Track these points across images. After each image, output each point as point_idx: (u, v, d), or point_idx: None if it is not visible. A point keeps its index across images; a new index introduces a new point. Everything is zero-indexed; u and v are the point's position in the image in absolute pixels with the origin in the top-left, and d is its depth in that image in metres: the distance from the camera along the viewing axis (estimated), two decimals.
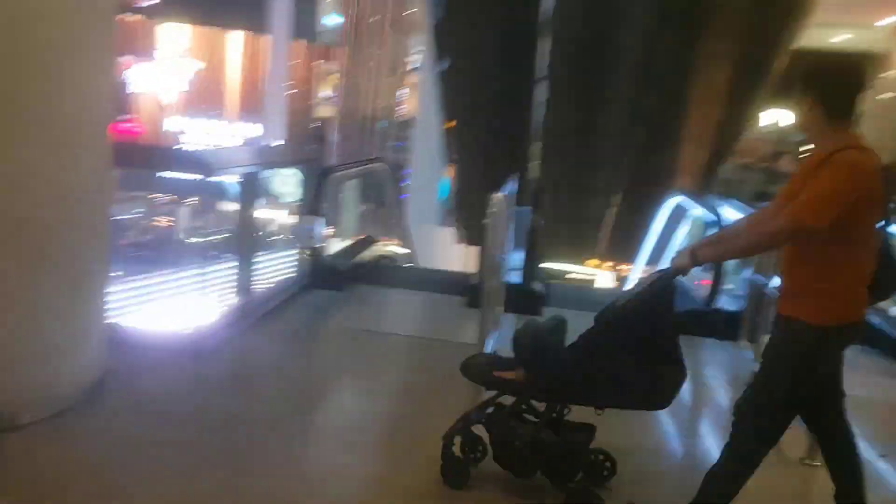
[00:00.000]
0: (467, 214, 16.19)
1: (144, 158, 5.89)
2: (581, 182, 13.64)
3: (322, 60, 40.34)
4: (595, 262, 18.79)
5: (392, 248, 9.27)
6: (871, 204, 2.93)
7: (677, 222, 8.72)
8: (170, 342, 5.22)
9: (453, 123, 15.35)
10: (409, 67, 27.98)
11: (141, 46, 28.30)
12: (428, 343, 5.93)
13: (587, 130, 13.51)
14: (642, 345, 3.21)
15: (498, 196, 4.64)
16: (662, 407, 3.39)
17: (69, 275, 3.90)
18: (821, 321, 2.94)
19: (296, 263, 6.41)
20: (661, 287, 3.19)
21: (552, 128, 13.61)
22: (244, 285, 5.69)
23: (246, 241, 5.71)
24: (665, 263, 3.56)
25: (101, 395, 4.20)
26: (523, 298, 6.42)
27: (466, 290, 6.65)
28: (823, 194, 2.82)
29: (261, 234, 35.87)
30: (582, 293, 9.50)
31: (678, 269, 3.13)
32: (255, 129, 37.03)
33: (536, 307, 6.44)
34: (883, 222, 3.07)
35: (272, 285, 6.41)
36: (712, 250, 3.33)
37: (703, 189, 12.85)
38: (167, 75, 36.97)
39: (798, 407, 3.13)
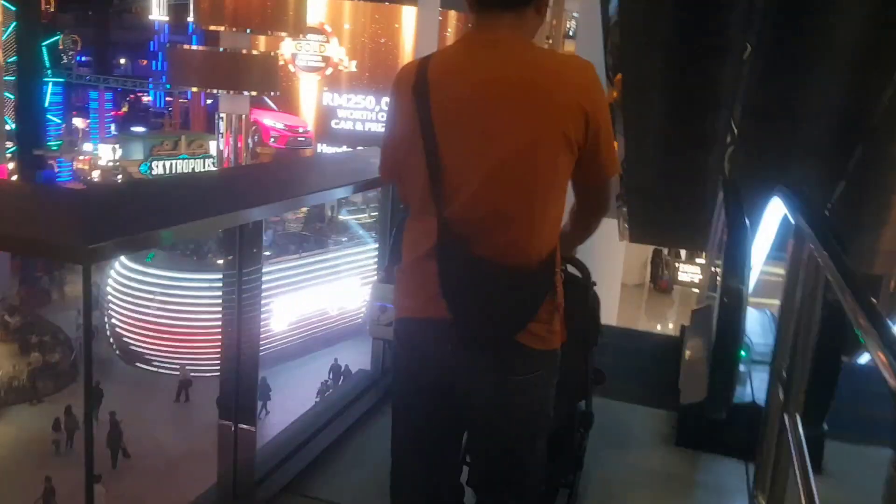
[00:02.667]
0: (634, 203, 12.88)
1: None
2: (791, 169, 10.05)
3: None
4: None
5: None
6: (406, 140, 1.87)
7: None
8: None
9: (616, 95, 12.14)
10: (564, 33, 24.49)
11: (293, 22, 26.46)
12: None
13: (799, 106, 9.87)
14: None
15: None
16: None
17: None
18: (396, 311, 2.05)
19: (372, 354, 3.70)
20: None
21: (754, 102, 10.06)
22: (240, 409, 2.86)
23: (235, 351, 2.81)
24: None
25: None
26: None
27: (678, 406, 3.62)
28: None
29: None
30: None
31: None
32: None
33: None
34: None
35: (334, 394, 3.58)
36: None
37: None
38: (319, 51, 35.56)
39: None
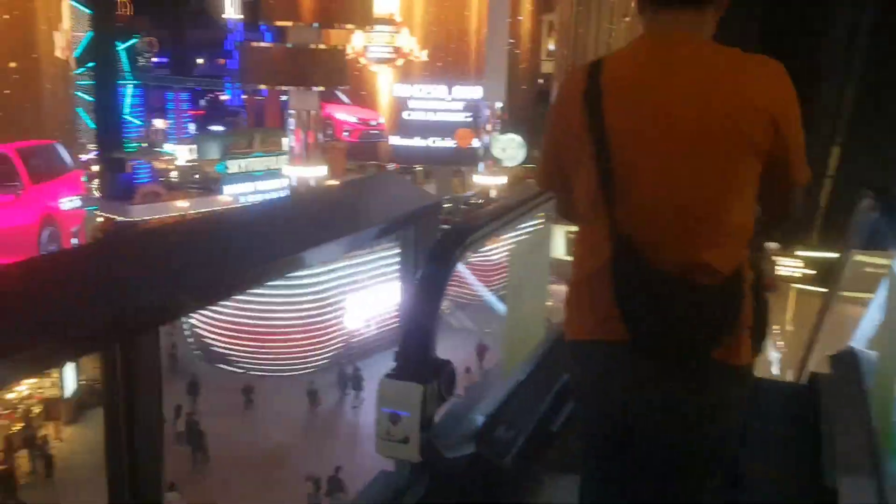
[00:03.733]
0: None
1: None
2: None
3: (549, 13, 36.33)
4: None
5: None
6: (574, 149, 1.77)
7: None
8: None
9: None
10: None
11: (360, 14, 25.67)
12: None
13: None
14: None
15: None
16: None
17: None
18: (566, 332, 1.91)
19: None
20: None
21: (866, 85, 8.60)
22: None
23: None
24: None
25: None
26: None
27: None
28: None
29: (473, 200, 33.14)
30: None
31: None
32: (474, 92, 33.84)
33: None
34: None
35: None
36: None
37: None
38: (390, 41, 34.78)
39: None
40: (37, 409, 17.41)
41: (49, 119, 19.37)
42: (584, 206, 1.79)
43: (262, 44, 28.14)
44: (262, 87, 28.33)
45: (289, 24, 24.51)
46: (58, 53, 19.36)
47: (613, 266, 1.70)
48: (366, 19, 26.05)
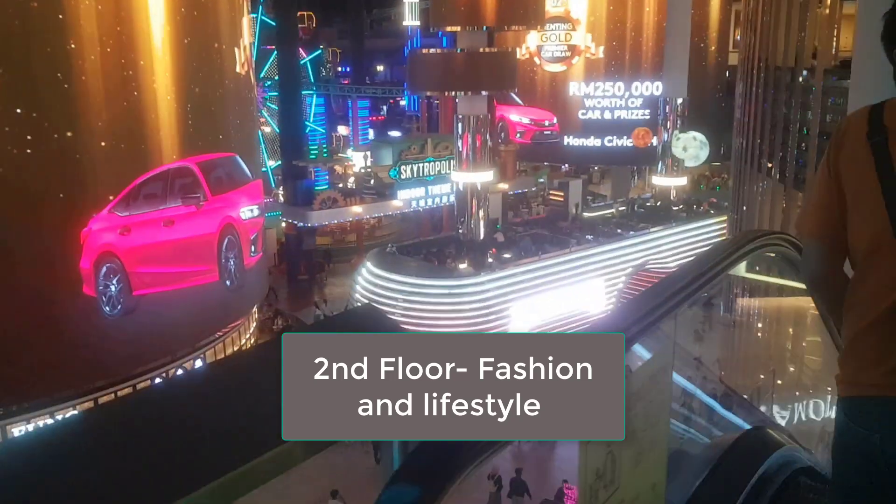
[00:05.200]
0: None
1: None
2: None
3: (738, 1, 33.42)
4: None
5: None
6: (855, 190, 1.77)
7: None
8: None
9: None
10: None
11: (532, 14, 24.65)
12: None
13: None
14: None
15: None
16: None
17: None
18: (840, 390, 1.80)
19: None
20: None
21: None
22: None
23: None
24: None
25: None
26: None
27: None
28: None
29: (650, 203, 31.11)
30: None
31: None
32: (653, 88, 31.75)
33: None
34: None
35: None
36: None
37: None
38: (565, 40, 33.47)
39: None
40: None
41: (232, 132, 20.03)
42: (865, 250, 1.75)
43: (432, 50, 27.86)
44: (430, 93, 28.05)
45: (457, 28, 23.97)
46: (238, 69, 19.93)
47: None
48: (538, 19, 24.92)
